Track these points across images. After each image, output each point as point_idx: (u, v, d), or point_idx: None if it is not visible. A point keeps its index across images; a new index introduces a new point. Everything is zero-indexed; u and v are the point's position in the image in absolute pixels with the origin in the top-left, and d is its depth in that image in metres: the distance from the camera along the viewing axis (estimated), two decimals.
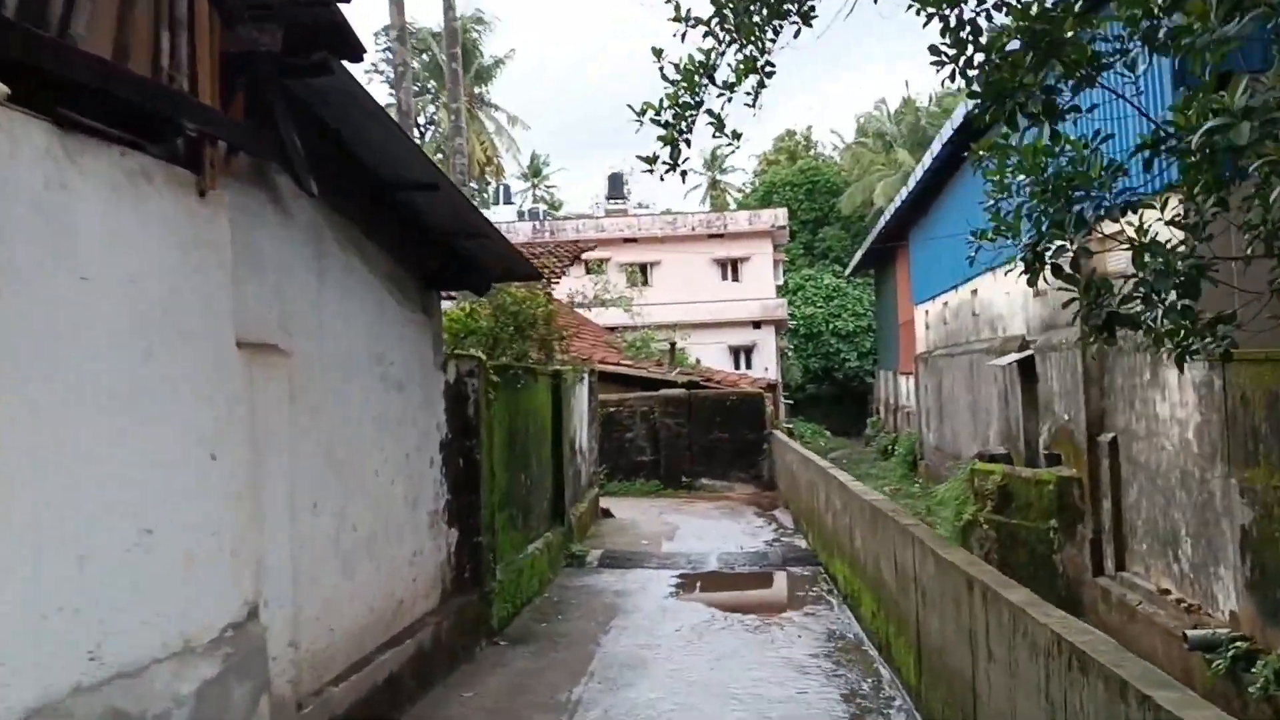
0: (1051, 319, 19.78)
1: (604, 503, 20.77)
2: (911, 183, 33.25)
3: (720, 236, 48.37)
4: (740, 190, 75.59)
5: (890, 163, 59.96)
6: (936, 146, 29.12)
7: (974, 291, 26.90)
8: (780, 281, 53.66)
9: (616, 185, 51.59)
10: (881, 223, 38.78)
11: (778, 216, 48.72)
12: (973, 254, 6.92)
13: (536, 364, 14.91)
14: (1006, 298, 23.14)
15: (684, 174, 7.41)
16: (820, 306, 57.25)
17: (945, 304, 31.06)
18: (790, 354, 54.51)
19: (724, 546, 16.99)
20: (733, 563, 15.82)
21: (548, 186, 75.94)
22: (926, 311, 34.67)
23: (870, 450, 44.63)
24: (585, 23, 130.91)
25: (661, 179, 10.15)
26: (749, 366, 47.10)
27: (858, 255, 47.40)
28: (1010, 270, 6.74)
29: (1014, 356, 21.44)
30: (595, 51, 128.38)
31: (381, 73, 66.27)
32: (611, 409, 23.57)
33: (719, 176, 77.75)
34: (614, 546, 16.73)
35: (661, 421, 23.70)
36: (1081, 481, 17.70)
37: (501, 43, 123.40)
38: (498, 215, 52.76)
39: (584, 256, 42.58)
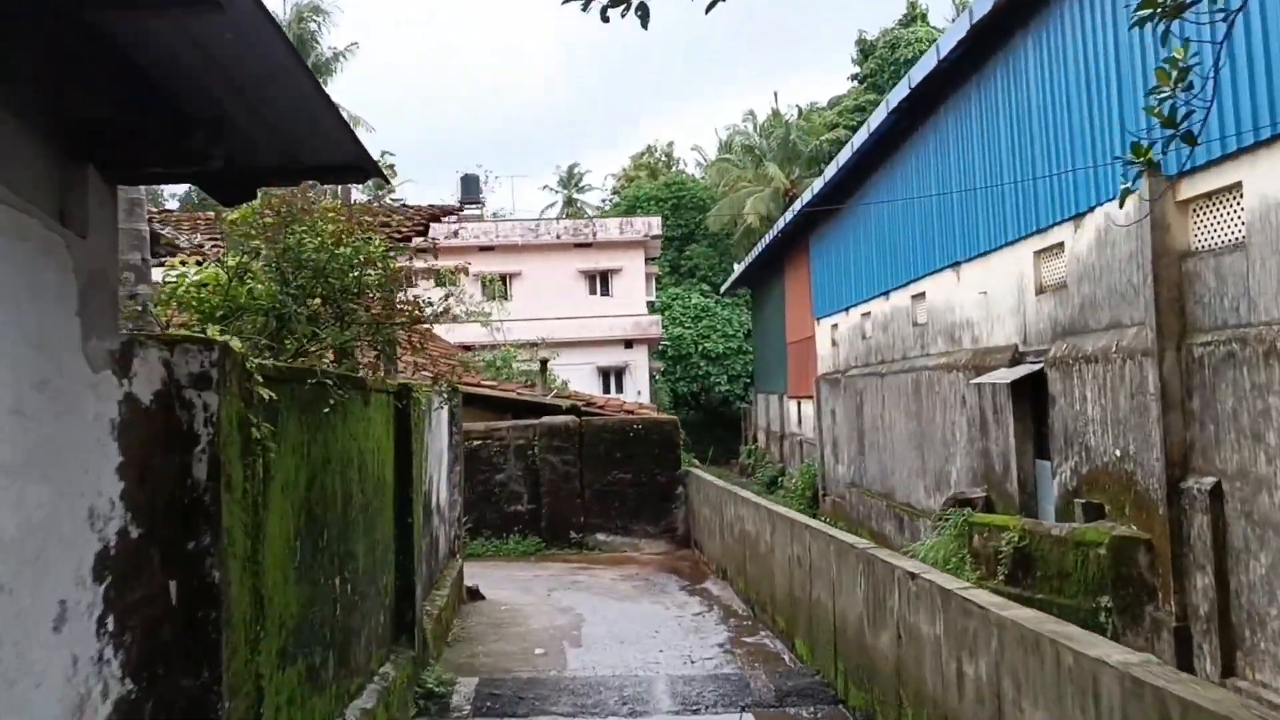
0: (1076, 321, 14.22)
1: (470, 573, 14.35)
2: (819, 184, 27.82)
3: (588, 246, 42.28)
4: (598, 209, 69.74)
5: (760, 177, 54.90)
6: (859, 140, 23.76)
7: (917, 296, 21.39)
8: (653, 297, 47.79)
9: (471, 187, 44.93)
10: (773, 232, 33.26)
11: (651, 225, 42.89)
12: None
13: (364, 373, 8.36)
14: (982, 299, 17.60)
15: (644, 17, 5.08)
16: (689, 327, 51.61)
17: (866, 314, 25.55)
18: (658, 377, 48.63)
19: (665, 659, 10.69)
20: (698, 702, 9.14)
21: (393, 198, 68.38)
22: (834, 326, 29.16)
23: (750, 483, 38.76)
24: (433, 22, 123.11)
25: (605, 19, 5.06)
26: (620, 390, 40.99)
27: (740, 268, 41.85)
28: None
29: (1009, 373, 15.83)
30: (446, 53, 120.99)
31: None
32: (476, 443, 17.17)
33: (576, 195, 71.77)
34: (493, 664, 10.11)
35: (543, 459, 17.38)
36: (1152, 545, 12.12)
37: (343, 36, 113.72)
38: None
39: (434, 263, 36.04)
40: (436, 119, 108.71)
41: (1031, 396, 15.83)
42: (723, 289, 49.59)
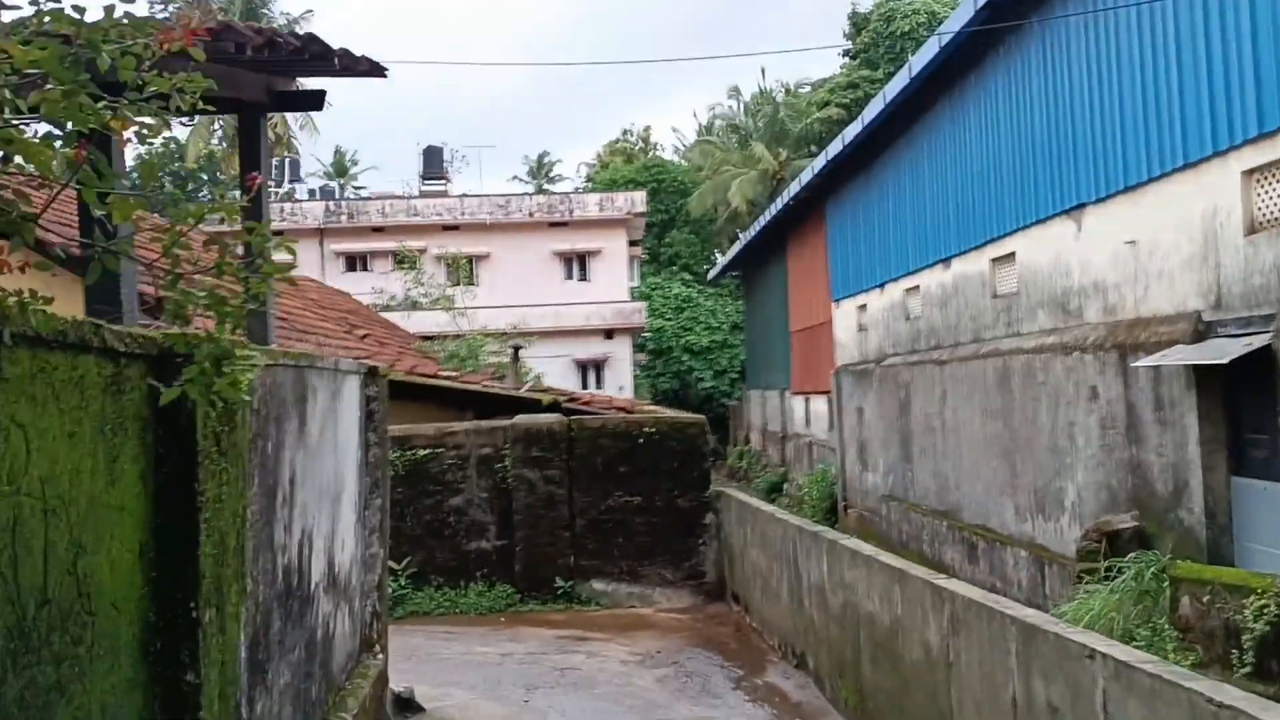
0: None
1: (406, 648, 8.86)
2: (839, 145, 22.42)
3: (564, 225, 36.69)
4: None
5: (747, 159, 49.47)
6: (895, 88, 18.46)
7: (1000, 259, 16.00)
8: (636, 282, 42.23)
9: (434, 161, 39.40)
10: (782, 201, 27.81)
11: (635, 201, 37.34)
12: None
13: None
14: (1126, 252, 12.20)
15: None
16: (670, 319, 46.10)
17: (912, 289, 20.15)
18: (640, 371, 43.10)
19: None
20: None
21: (356, 187, 62.57)
22: (861, 308, 23.73)
23: (744, 489, 33.27)
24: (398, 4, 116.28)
25: None
26: (600, 384, 35.45)
27: (732, 251, 36.34)
28: None
29: (1196, 352, 10.47)
30: (409, 38, 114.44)
31: None
32: (421, 453, 11.54)
33: (546, 185, 66.04)
34: None
35: (518, 475, 11.69)
36: None
37: (298, 3, 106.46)
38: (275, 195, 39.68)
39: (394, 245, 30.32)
40: (397, 104, 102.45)
41: (1225, 386, 10.50)
42: (710, 276, 44.11)
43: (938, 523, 17.74)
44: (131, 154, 54.00)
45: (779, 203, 28.16)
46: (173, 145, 50.92)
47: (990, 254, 16.21)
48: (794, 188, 26.00)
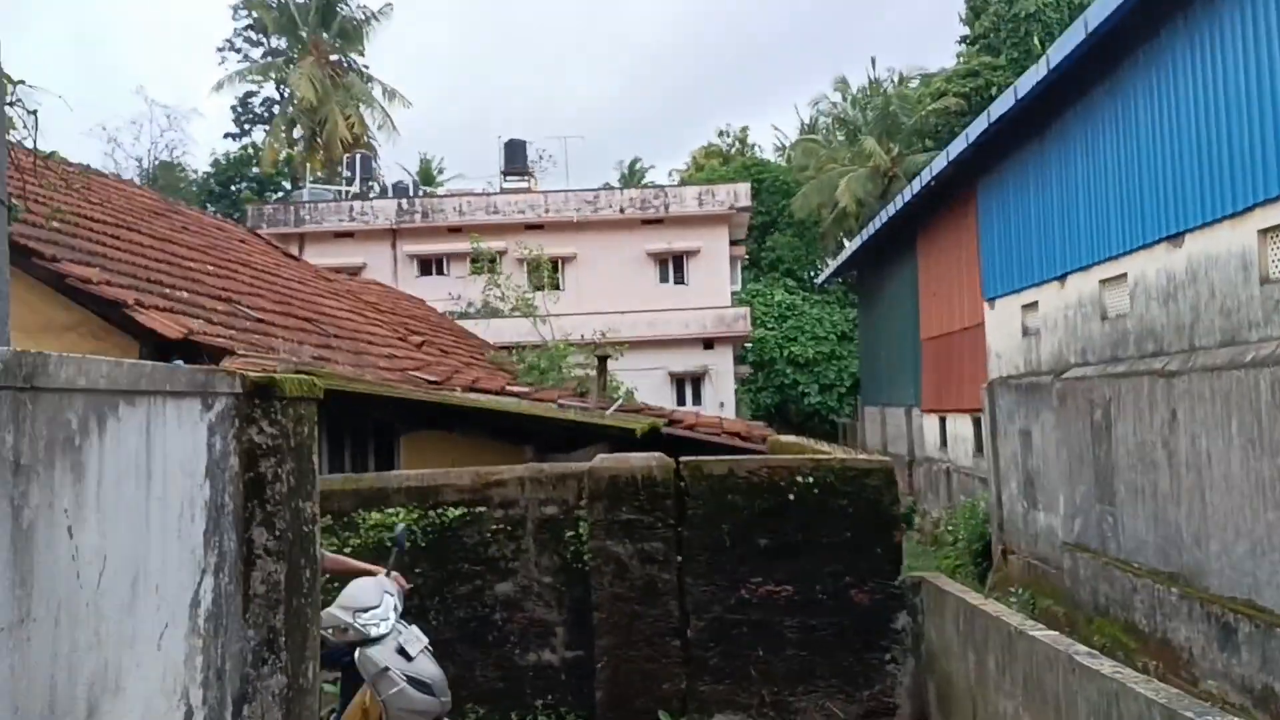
0: None
1: None
2: (1008, 100, 17.46)
3: (659, 222, 32.22)
4: None
5: (856, 155, 44.59)
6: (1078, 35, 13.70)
7: (1273, 230, 11.04)
8: (738, 286, 37.54)
9: (517, 155, 35.29)
10: (921, 183, 22.90)
11: (737, 194, 32.66)
12: None
13: None
14: None
15: None
16: (772, 328, 41.33)
17: (1111, 281, 15.17)
18: (738, 385, 38.40)
19: None
20: None
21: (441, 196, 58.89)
22: (1029, 306, 18.70)
23: None
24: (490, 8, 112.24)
25: None
26: (698, 401, 30.85)
27: (848, 250, 31.41)
28: None
29: None
30: (503, 43, 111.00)
31: (238, 50, 49.12)
32: (452, 513, 7.04)
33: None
34: None
35: (600, 548, 7.20)
36: None
37: None
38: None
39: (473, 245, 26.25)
40: (486, 113, 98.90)
41: None
42: (820, 280, 39.22)
43: (1162, 588, 12.73)
44: (207, 158, 50.71)
45: (915, 186, 23.27)
46: (249, 149, 47.87)
47: (1260, 221, 11.24)
48: (938, 163, 21.09)
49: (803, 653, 7.40)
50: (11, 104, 18.93)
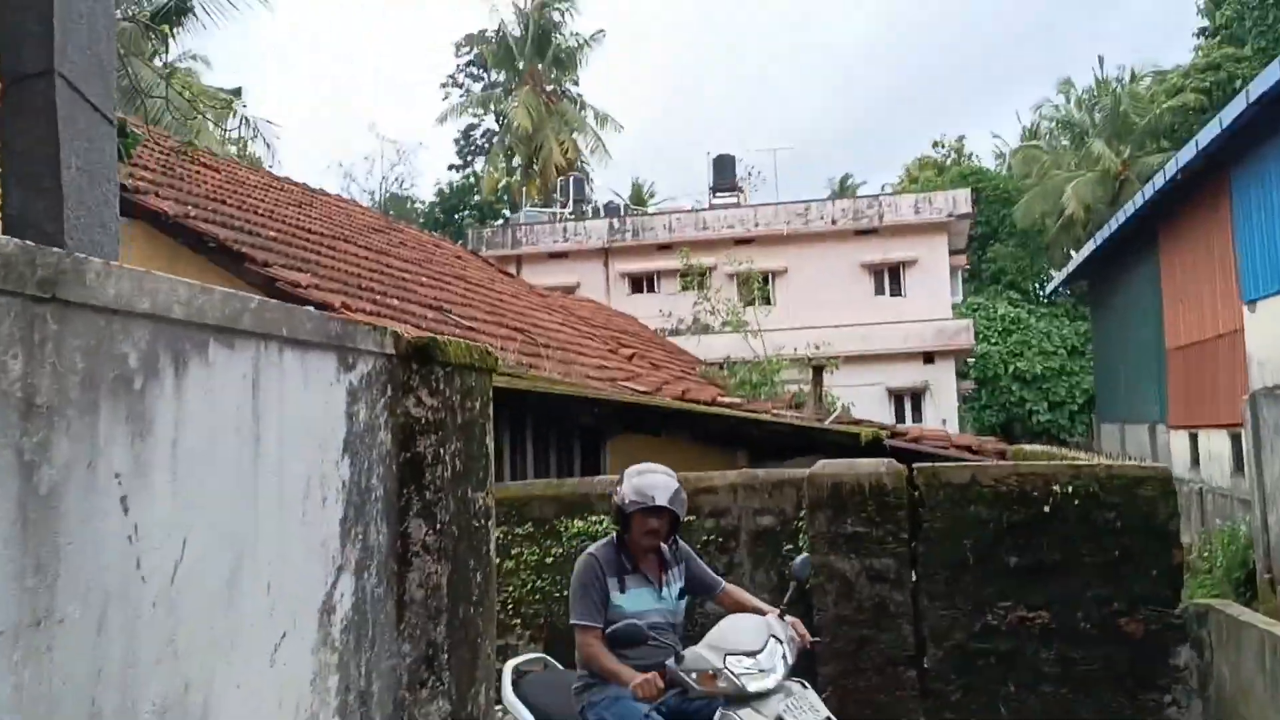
0: None
1: None
2: (1260, 87, 15.48)
3: (873, 232, 30.89)
4: None
5: (1083, 159, 41.73)
6: None
7: None
8: (959, 298, 35.65)
9: (726, 171, 34.69)
10: (1165, 177, 20.81)
11: (956, 201, 30.92)
12: None
13: None
14: None
15: None
16: (995, 343, 38.98)
17: None
18: (960, 402, 36.35)
19: None
20: None
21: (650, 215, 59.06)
22: None
23: None
24: (703, 24, 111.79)
25: None
26: (918, 418, 29.26)
27: (1082, 255, 29.12)
28: None
29: None
30: (713, 60, 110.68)
31: (460, 85, 50.92)
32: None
33: None
34: None
35: (823, 563, 6.45)
36: None
37: (588, 23, 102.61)
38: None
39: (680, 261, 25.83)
40: (694, 134, 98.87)
41: None
42: (1047, 291, 36.79)
43: None
44: (432, 188, 52.64)
45: (1157, 182, 21.16)
46: (470, 179, 49.39)
47: None
48: (1184, 155, 19.04)
49: (1062, 690, 6.30)
50: (253, 138, 19.63)
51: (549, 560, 6.97)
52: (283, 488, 2.11)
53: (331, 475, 2.35)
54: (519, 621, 6.99)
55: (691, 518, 6.87)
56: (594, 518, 6.97)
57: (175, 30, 26.72)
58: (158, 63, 29.42)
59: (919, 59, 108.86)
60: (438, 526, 2.75)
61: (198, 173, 11.45)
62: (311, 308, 2.27)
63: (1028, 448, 9.89)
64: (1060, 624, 6.37)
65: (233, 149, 28.37)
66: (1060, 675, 6.34)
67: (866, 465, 6.73)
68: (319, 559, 2.26)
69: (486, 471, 3.07)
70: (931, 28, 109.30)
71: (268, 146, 27.19)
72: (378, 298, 10.13)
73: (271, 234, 10.13)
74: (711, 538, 6.86)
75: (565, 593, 6.94)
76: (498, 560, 7.14)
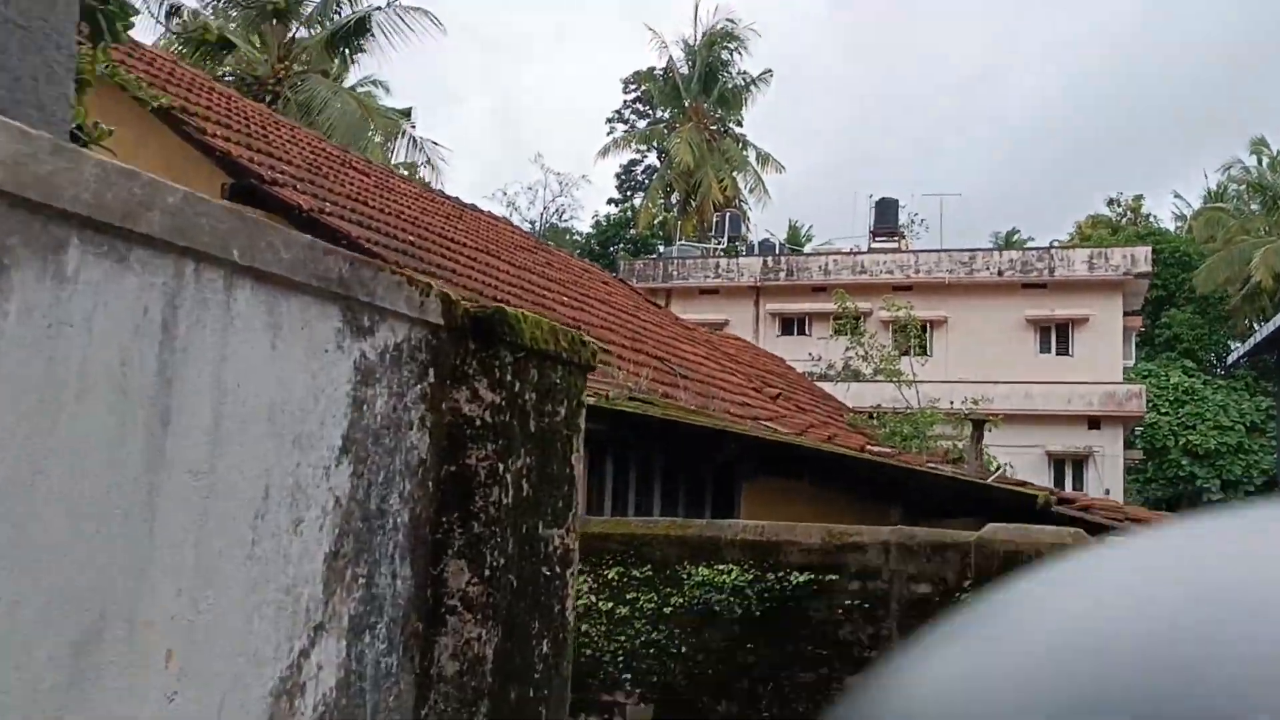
0: None
1: None
2: None
3: (1042, 286, 29.06)
4: None
5: (1277, 224, 38.74)
6: None
7: None
8: (1131, 361, 33.32)
9: (888, 214, 33.38)
10: None
11: (1135, 259, 28.89)
12: None
13: None
14: None
15: None
16: (1166, 413, 36.23)
17: None
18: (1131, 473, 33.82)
19: None
20: None
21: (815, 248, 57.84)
22: None
23: None
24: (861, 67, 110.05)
25: None
26: (1080, 485, 27.19)
27: (1271, 326, 26.71)
28: None
29: None
30: (872, 105, 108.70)
31: (625, 121, 51.18)
32: (797, 578, 5.41)
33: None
34: None
35: None
36: None
37: (757, 64, 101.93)
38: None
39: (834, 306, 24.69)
40: (858, 182, 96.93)
41: None
42: (1229, 360, 34.02)
43: None
44: (589, 221, 52.74)
45: None
46: (627, 213, 49.25)
47: None
48: None
49: None
50: (425, 163, 19.50)
51: (668, 610, 6.09)
52: (211, 500, 1.32)
53: (314, 487, 1.56)
54: (629, 677, 6.11)
55: (833, 577, 5.89)
56: (721, 566, 6.05)
57: (355, 51, 27.33)
58: (344, 84, 30.22)
59: (1098, 119, 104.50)
60: (487, 573, 1.93)
61: (346, 174, 11.10)
62: (306, 236, 1.48)
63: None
64: None
65: (404, 171, 28.68)
66: None
67: (1047, 533, 5.63)
68: (277, 614, 1.46)
69: (568, 502, 2.24)
70: (1114, 86, 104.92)
71: (433, 167, 27.39)
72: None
73: (410, 239, 9.63)
74: (856, 602, 5.85)
75: (684, 649, 6.07)
76: (609, 606, 6.33)
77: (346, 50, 26.13)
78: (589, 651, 6.19)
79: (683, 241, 37.48)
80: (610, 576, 6.21)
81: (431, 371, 1.89)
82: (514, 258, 13.09)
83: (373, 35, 25.47)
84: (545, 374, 2.15)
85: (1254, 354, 31.32)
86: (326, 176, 10.18)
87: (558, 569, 2.23)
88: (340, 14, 25.85)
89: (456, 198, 15.35)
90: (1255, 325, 38.75)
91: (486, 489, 1.97)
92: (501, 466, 2.00)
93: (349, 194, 10.00)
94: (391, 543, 1.77)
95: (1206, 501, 35.73)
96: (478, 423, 1.97)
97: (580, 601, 6.25)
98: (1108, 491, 26.44)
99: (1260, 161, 42.01)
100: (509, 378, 2.02)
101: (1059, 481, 27.44)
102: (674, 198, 45.16)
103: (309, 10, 25.91)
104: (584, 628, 6.21)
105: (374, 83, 32.71)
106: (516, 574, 2.04)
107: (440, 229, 11.36)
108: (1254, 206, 42.46)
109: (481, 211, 15.92)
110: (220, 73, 25.51)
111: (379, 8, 25.08)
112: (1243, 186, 43.12)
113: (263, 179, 8.30)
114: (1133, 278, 28.71)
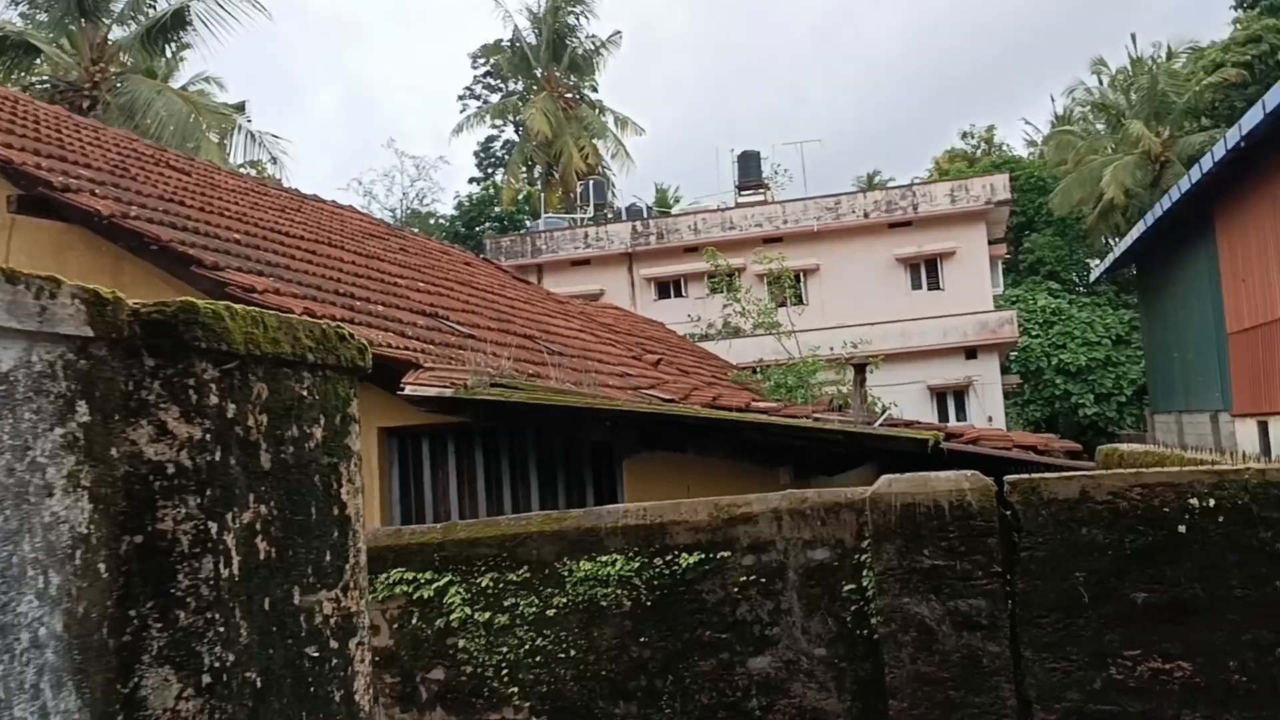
0: None
1: None
2: None
3: (908, 224, 29.28)
4: None
5: (1122, 142, 39.96)
6: None
7: None
8: (1000, 288, 33.98)
9: (751, 168, 33.21)
10: (1226, 147, 19.14)
11: (994, 188, 29.29)
12: None
13: None
14: None
15: None
16: (1037, 336, 37.26)
17: None
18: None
19: None
20: None
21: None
22: None
23: None
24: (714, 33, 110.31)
25: None
26: (962, 416, 27.63)
27: (1130, 239, 27.33)
28: None
29: None
30: (725, 62, 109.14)
31: (478, 97, 49.97)
32: (686, 560, 5.03)
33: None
34: None
35: (895, 607, 5.09)
36: None
37: (605, 26, 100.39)
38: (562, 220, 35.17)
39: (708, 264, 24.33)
40: (721, 139, 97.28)
41: None
42: (1091, 278, 35.04)
43: None
44: (453, 201, 51.69)
45: (1217, 153, 19.46)
46: (490, 190, 48.20)
47: None
48: (1249, 120, 17.36)
49: None
50: (272, 160, 18.36)
51: (551, 613, 5.56)
52: None
53: None
54: (516, 691, 5.57)
55: (725, 554, 5.45)
56: (604, 557, 5.54)
57: (177, 46, 25.70)
58: (175, 83, 28.48)
59: (945, 56, 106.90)
60: (208, 679, 1.36)
61: (161, 174, 10.15)
62: None
63: (1125, 448, 8.34)
64: (1207, 678, 4.87)
65: (250, 170, 27.22)
66: None
67: (943, 480, 5.26)
68: None
69: (340, 552, 1.68)
70: (963, 18, 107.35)
71: (274, 161, 26.06)
72: (359, 303, 8.78)
73: (236, 237, 8.80)
74: (751, 578, 5.42)
75: (573, 652, 5.56)
76: (486, 616, 5.77)
77: (166, 46, 24.55)
78: (469, 669, 5.63)
79: (549, 214, 36.71)
80: (484, 584, 5.64)
81: (82, 406, 1.31)
82: (361, 246, 12.30)
83: (193, 27, 23.98)
84: (281, 387, 1.58)
85: (1113, 269, 32.29)
86: (135, 178, 9.25)
87: (333, 644, 1.66)
88: (155, 7, 24.27)
89: (295, 189, 14.42)
90: (1111, 242, 40.01)
91: (194, 561, 1.39)
92: (216, 526, 1.42)
93: (163, 195, 9.10)
94: (33, 668, 1.19)
95: (1082, 416, 36.90)
96: (171, 469, 1.39)
97: (454, 616, 5.67)
98: (990, 419, 26.91)
99: (1101, 81, 43.27)
100: (214, 400, 1.44)
101: (943, 414, 27.83)
102: (536, 170, 44.32)
103: (120, 7, 24.24)
104: (461, 643, 5.65)
105: (207, 80, 31.01)
106: (262, 668, 1.48)
107: (273, 224, 10.51)
108: (1100, 126, 43.78)
109: (325, 201, 15.00)
110: (30, 82, 23.69)
111: None
112: (1087, 107, 44.39)
113: (53, 186, 7.40)
114: (994, 206, 29.14)
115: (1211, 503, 4.91)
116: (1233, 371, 22.22)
